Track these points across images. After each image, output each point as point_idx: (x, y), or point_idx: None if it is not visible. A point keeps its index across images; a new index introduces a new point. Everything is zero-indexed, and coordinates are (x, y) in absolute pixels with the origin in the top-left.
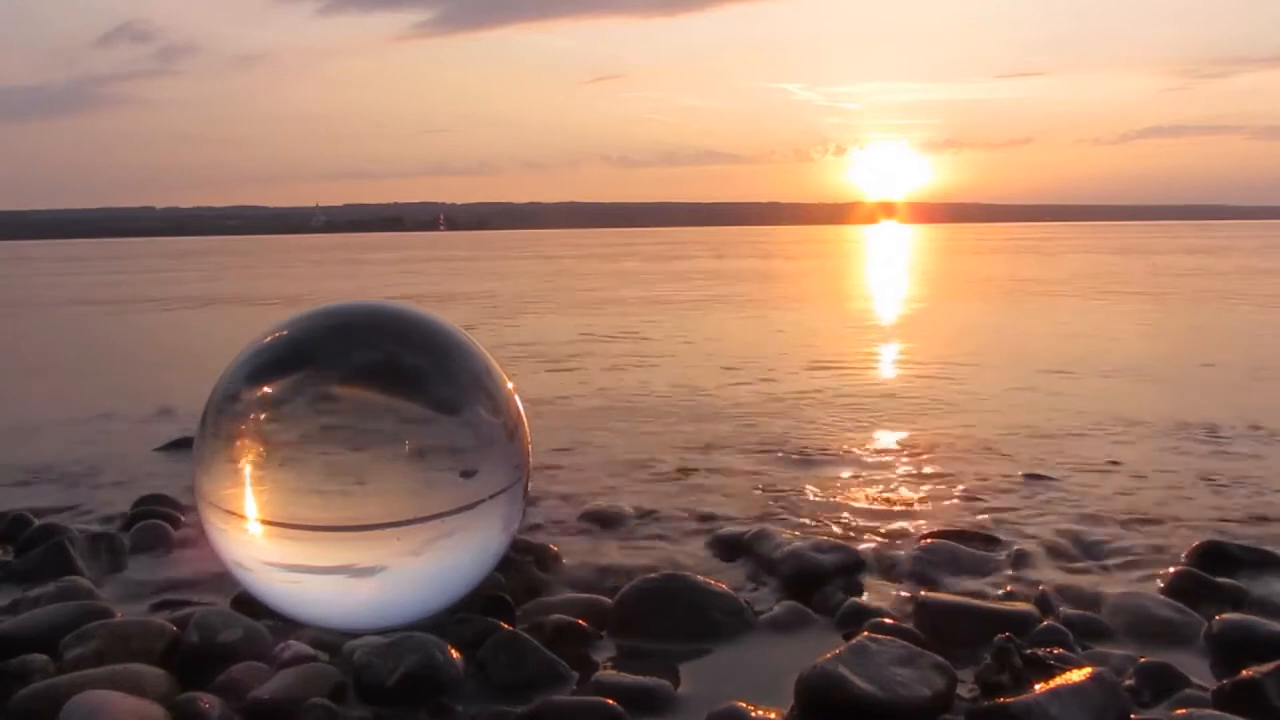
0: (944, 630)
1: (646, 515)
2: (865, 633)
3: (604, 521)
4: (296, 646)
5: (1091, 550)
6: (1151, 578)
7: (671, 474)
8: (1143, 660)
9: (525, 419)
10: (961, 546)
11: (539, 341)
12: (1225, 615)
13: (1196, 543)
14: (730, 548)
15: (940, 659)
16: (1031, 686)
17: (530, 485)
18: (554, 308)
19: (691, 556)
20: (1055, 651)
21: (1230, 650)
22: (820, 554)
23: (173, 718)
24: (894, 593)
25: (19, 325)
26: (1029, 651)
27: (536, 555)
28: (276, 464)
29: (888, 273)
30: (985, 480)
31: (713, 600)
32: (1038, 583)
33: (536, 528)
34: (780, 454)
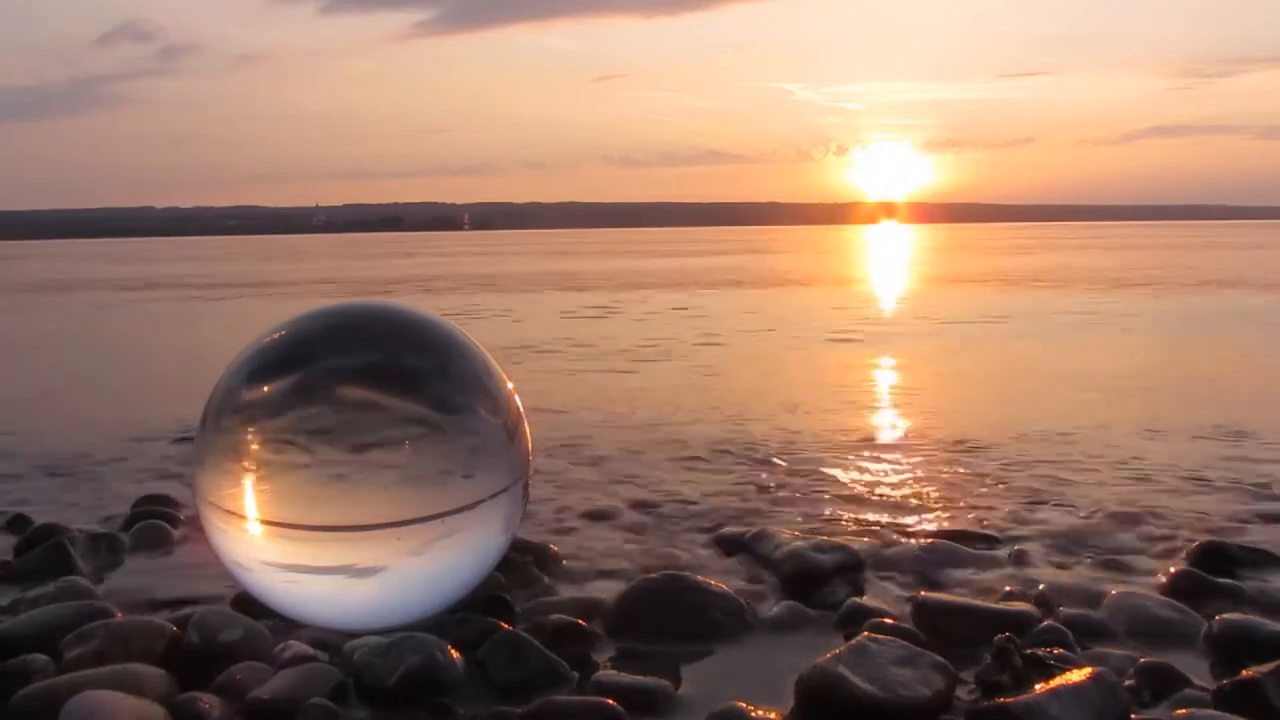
0: (944, 630)
1: (646, 515)
2: (865, 633)
3: (604, 521)
4: (296, 646)
5: (1091, 550)
6: (1151, 578)
7: (671, 473)
8: (1143, 660)
9: (525, 419)
10: (961, 546)
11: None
12: (1225, 615)
13: (1196, 543)
14: (730, 547)
15: (940, 659)
16: (1031, 686)
17: (530, 485)
18: None
19: (691, 556)
20: (1055, 651)
21: (1230, 650)
22: (820, 554)
23: (173, 718)
24: (894, 593)
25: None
26: (1029, 651)
27: (536, 555)
28: (276, 464)
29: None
30: (985, 480)
31: (713, 600)
32: (1038, 583)
33: (537, 527)
34: (780, 453)
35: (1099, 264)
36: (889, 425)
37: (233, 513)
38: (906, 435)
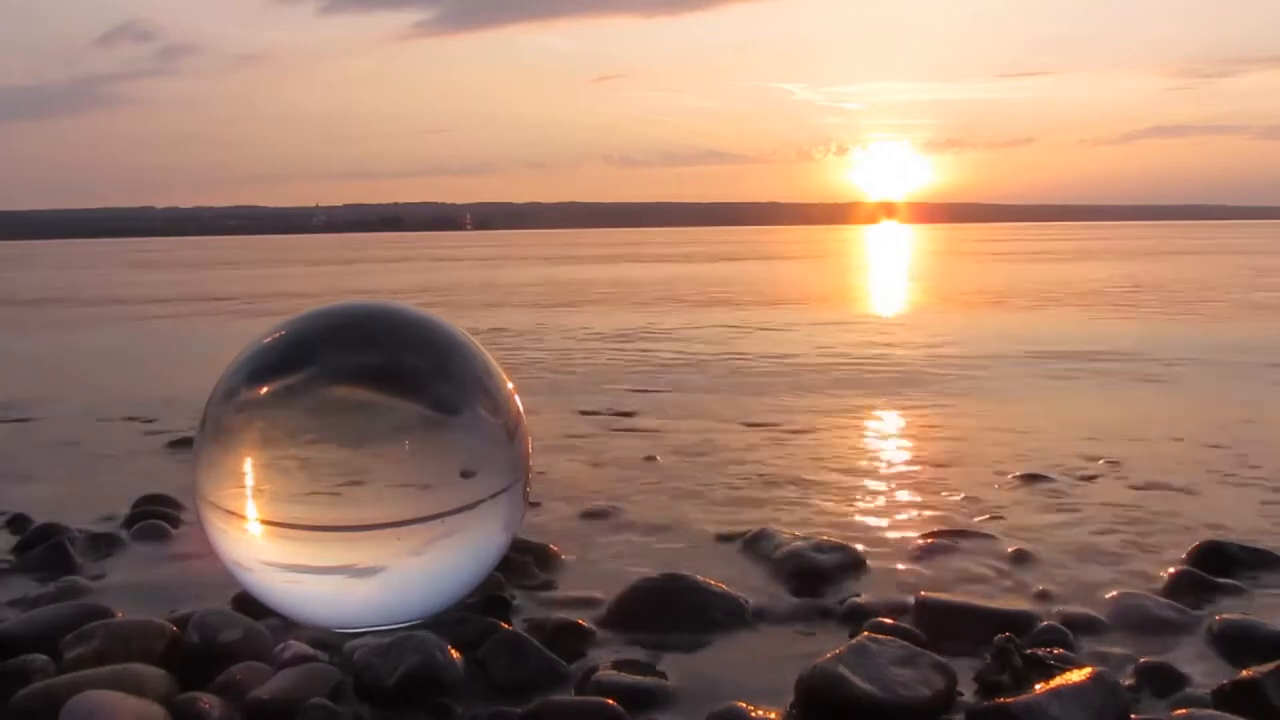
0: (944, 630)
1: (646, 514)
2: (865, 633)
3: (604, 521)
4: (296, 646)
5: (1091, 550)
6: (1151, 578)
7: (670, 473)
8: (1143, 660)
9: (525, 419)
10: (962, 546)
11: None
12: (1225, 615)
13: (1196, 543)
14: (730, 547)
15: (940, 659)
16: (1031, 686)
17: (530, 485)
18: None
19: (691, 556)
20: (1055, 651)
21: (1230, 650)
22: (820, 554)
23: (173, 718)
24: (894, 593)
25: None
26: (1029, 651)
27: (536, 555)
28: (276, 464)
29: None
30: (985, 480)
31: (712, 600)
32: (1038, 583)
33: (536, 527)
34: (779, 452)
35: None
36: (893, 423)
37: (233, 513)
38: (908, 435)
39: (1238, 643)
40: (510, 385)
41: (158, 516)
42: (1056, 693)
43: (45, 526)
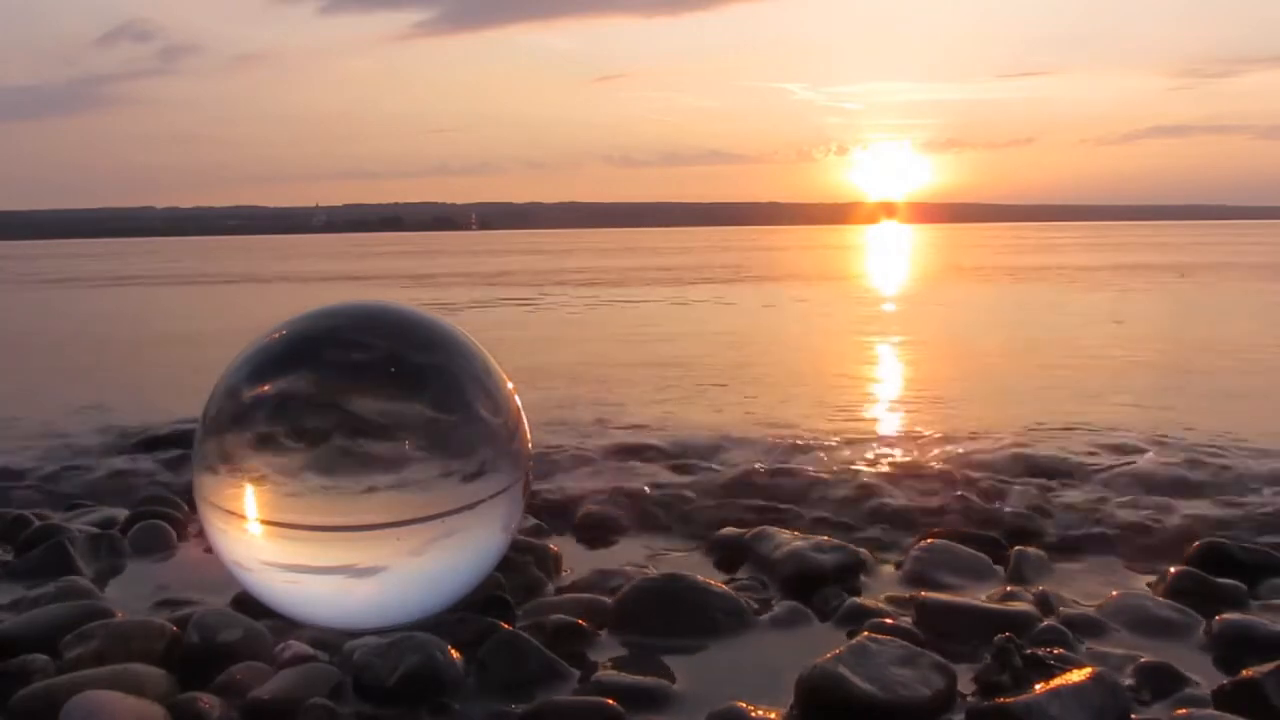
0: (944, 630)
1: (645, 515)
2: (865, 633)
3: (603, 521)
4: (296, 646)
5: (1092, 550)
6: (1151, 578)
7: (670, 473)
8: (1143, 660)
9: (525, 419)
10: (961, 546)
11: None
12: (1225, 615)
13: (1197, 543)
14: (730, 548)
15: (940, 659)
16: (1031, 686)
17: (530, 485)
18: None
19: (691, 556)
20: (1055, 651)
21: (1230, 650)
22: (820, 554)
23: (173, 718)
24: (894, 593)
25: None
26: (1029, 651)
27: (536, 555)
28: (276, 464)
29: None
30: (984, 480)
31: (712, 600)
32: (1038, 583)
33: (536, 528)
34: (779, 453)
35: None
36: (889, 423)
37: (233, 513)
38: (908, 435)
39: (1238, 643)
40: (510, 385)
41: (158, 516)
42: (1056, 693)
43: (45, 526)
